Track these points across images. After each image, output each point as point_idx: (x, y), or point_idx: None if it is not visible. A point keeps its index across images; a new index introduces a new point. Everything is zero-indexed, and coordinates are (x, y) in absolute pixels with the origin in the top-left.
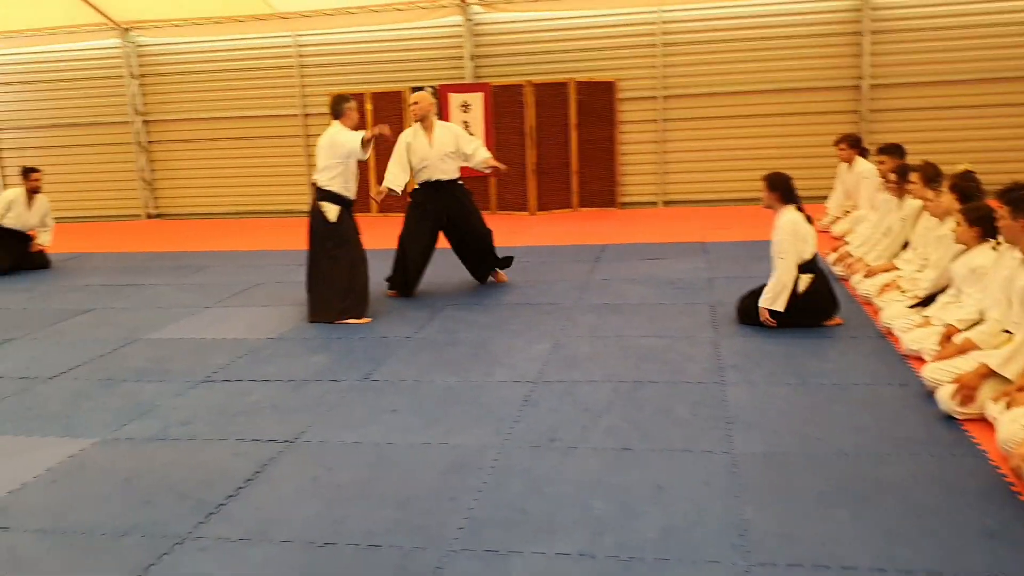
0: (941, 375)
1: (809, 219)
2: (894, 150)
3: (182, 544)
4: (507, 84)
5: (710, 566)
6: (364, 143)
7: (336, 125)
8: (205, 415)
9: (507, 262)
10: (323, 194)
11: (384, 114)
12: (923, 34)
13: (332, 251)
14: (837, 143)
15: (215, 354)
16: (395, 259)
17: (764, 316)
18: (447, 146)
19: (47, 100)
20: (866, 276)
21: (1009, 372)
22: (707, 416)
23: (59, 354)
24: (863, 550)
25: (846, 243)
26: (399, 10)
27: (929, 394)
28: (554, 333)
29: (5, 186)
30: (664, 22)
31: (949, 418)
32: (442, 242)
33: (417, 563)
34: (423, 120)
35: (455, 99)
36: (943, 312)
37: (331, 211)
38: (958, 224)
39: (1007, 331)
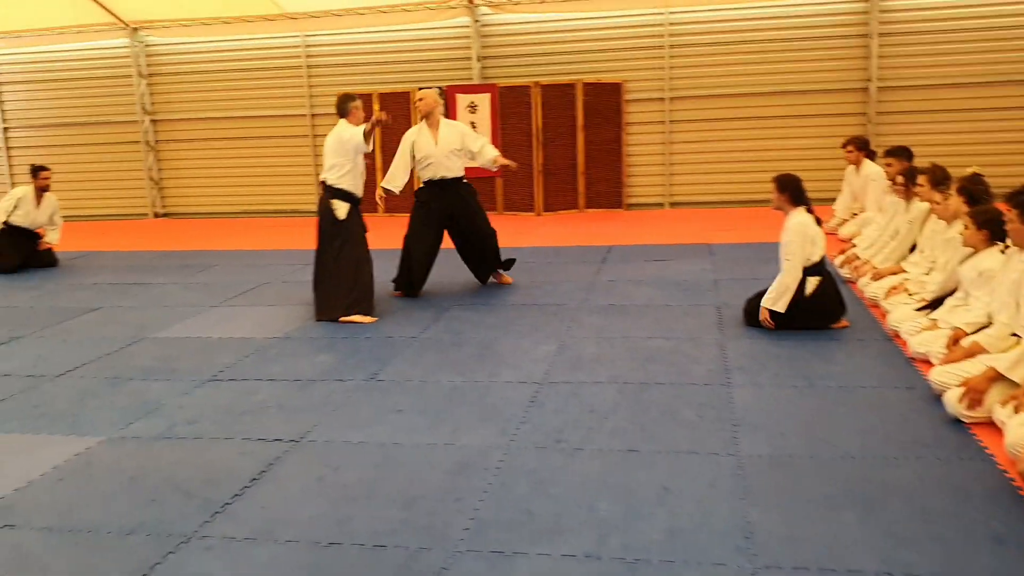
0: (948, 378)
1: (819, 221)
2: (902, 153)
3: (187, 543)
4: (514, 85)
5: (716, 568)
6: (366, 135)
7: (342, 123)
8: (211, 414)
9: (509, 264)
10: (334, 192)
11: (392, 115)
12: (931, 37)
13: (339, 248)
14: (844, 145)
15: (221, 353)
16: (400, 259)
17: (763, 315)
18: (452, 143)
19: (56, 99)
20: (873, 279)
21: (1017, 376)
22: (713, 418)
23: (66, 352)
24: (869, 554)
25: (853, 245)
26: (407, 11)
27: (936, 397)
28: (560, 334)
29: (14, 184)
30: (671, 24)
31: (956, 422)
32: (447, 242)
33: (422, 563)
34: (428, 117)
35: (462, 100)
36: (951, 315)
37: (341, 209)
38: (966, 227)
39: (1015, 335)
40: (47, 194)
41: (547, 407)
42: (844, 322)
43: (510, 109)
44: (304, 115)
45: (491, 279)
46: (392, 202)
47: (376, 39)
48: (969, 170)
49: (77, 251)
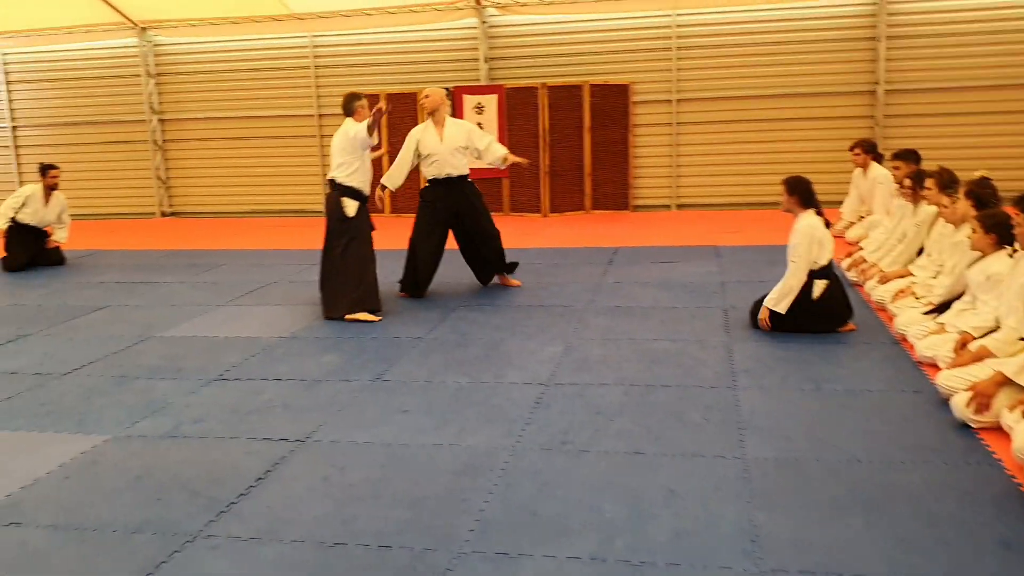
0: (956, 382)
1: (828, 224)
2: (909, 156)
3: (193, 542)
4: (521, 86)
5: (722, 572)
6: (369, 127)
7: (348, 122)
8: (217, 413)
9: (512, 267)
10: (344, 190)
11: (399, 115)
12: (939, 39)
13: (345, 245)
14: (852, 148)
15: (228, 352)
16: (406, 260)
17: (763, 315)
18: (458, 140)
19: (65, 98)
20: (880, 282)
21: None
22: (719, 420)
23: (73, 350)
24: (876, 558)
25: (860, 248)
26: (415, 12)
27: (943, 401)
28: (566, 335)
29: (22, 182)
30: (679, 25)
31: (964, 426)
32: (452, 243)
33: (427, 564)
34: (434, 114)
35: (469, 101)
36: (958, 319)
37: (351, 206)
38: (974, 231)
39: (1023, 339)
40: (56, 193)
41: (553, 408)
42: (851, 325)
43: (517, 110)
44: (311, 115)
45: (494, 280)
46: (397, 202)
47: (384, 40)
48: (977, 174)
49: (84, 250)
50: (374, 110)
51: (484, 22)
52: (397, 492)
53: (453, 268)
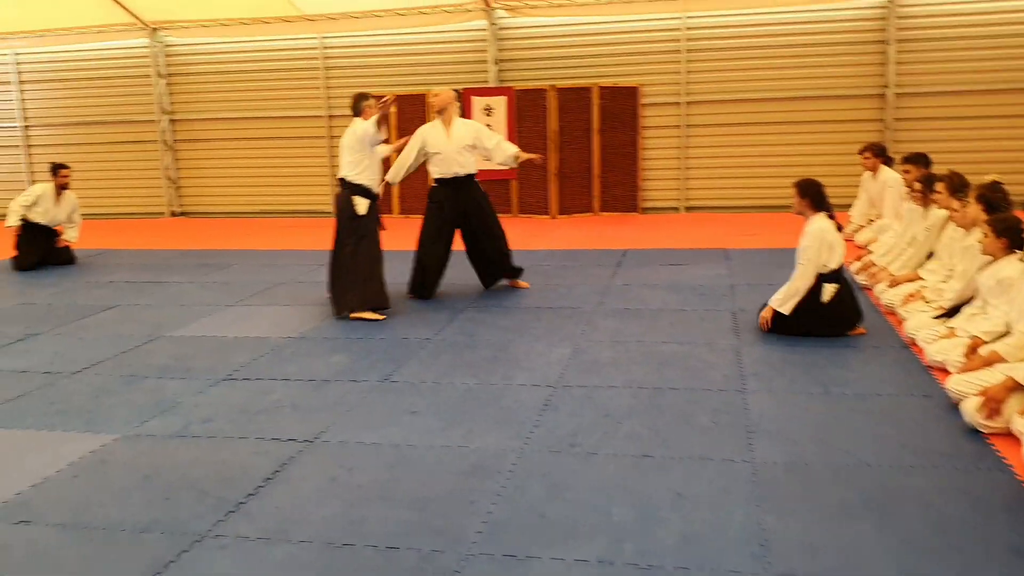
0: (966, 387)
1: (839, 227)
2: (919, 159)
3: (201, 542)
4: (530, 88)
5: None
6: (377, 123)
7: (356, 122)
8: (226, 413)
9: (517, 272)
10: (354, 188)
11: (408, 116)
12: (949, 43)
13: (355, 243)
14: (861, 152)
15: (237, 352)
16: (414, 261)
17: (767, 314)
18: (465, 139)
19: (76, 98)
20: (890, 286)
21: None
22: (728, 424)
23: (83, 350)
24: (886, 563)
25: (870, 252)
26: (424, 13)
27: (954, 406)
28: (575, 337)
29: (33, 182)
30: (688, 28)
31: (974, 431)
32: (459, 244)
33: (435, 566)
34: (442, 113)
35: (478, 102)
36: (968, 323)
37: (361, 205)
38: (985, 235)
39: None
40: (67, 192)
41: (561, 411)
42: (860, 329)
43: (526, 112)
44: (321, 116)
45: (503, 281)
46: (406, 203)
47: (393, 41)
48: (988, 177)
49: (94, 249)
50: (381, 102)
51: (493, 24)
52: (405, 493)
53: (461, 270)
